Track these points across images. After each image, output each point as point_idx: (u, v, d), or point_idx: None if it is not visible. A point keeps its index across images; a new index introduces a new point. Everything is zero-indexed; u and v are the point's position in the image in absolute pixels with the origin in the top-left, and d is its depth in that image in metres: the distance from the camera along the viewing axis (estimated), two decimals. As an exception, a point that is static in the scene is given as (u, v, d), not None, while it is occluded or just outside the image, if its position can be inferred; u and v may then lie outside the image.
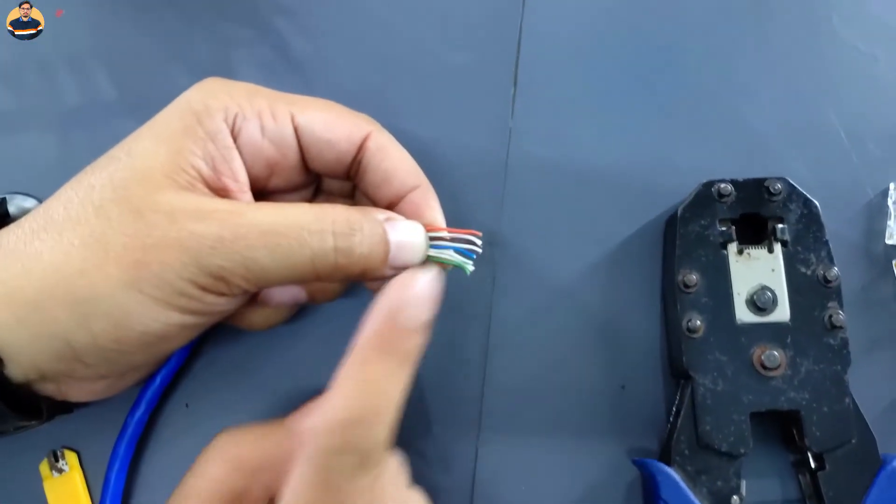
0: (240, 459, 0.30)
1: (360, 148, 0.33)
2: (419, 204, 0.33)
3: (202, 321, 0.30)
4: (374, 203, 0.34)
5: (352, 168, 0.33)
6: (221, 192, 0.30)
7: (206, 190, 0.29)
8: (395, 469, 0.30)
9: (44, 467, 0.36)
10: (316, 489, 0.27)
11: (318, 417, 0.27)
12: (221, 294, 0.29)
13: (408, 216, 0.32)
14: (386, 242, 0.30)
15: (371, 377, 0.28)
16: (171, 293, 0.28)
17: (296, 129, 0.32)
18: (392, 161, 0.33)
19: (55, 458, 0.36)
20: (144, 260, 0.27)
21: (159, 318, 0.28)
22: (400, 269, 0.30)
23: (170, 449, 0.37)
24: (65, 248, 0.28)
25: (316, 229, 0.29)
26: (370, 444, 0.27)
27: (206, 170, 0.29)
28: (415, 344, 0.29)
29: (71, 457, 0.36)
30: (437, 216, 0.33)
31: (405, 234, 0.30)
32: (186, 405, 0.37)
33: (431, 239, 0.31)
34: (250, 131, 0.31)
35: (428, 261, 0.31)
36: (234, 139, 0.30)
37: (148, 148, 0.29)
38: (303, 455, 0.27)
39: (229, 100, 0.30)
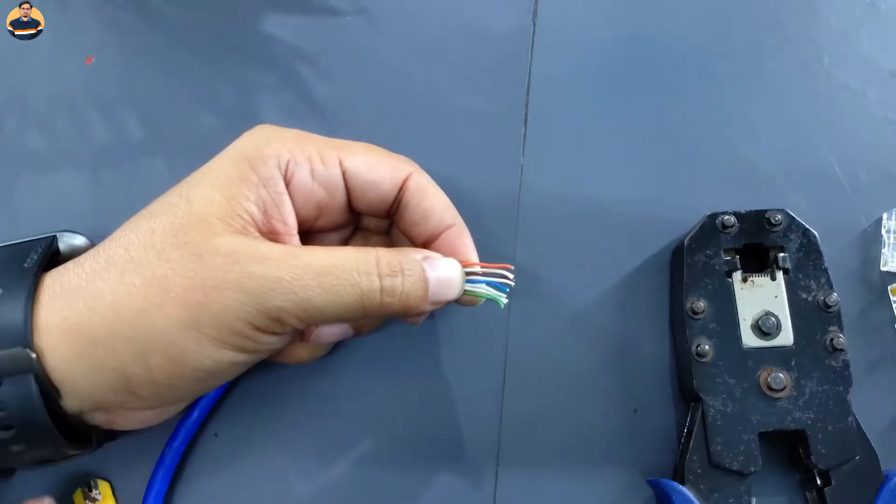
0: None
1: (402, 188, 0.35)
2: (454, 241, 0.35)
3: (251, 359, 0.32)
4: (410, 239, 0.36)
5: (392, 207, 0.35)
6: (270, 234, 0.32)
7: (257, 233, 0.31)
8: None
9: (78, 497, 0.37)
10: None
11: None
12: (274, 333, 0.31)
13: (444, 253, 0.34)
14: (425, 280, 0.32)
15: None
16: (227, 333, 0.29)
17: (343, 173, 0.33)
18: (430, 200, 0.35)
19: (88, 488, 0.37)
20: (205, 300, 0.29)
21: (213, 356, 0.30)
22: (439, 303, 0.32)
23: (199, 478, 0.38)
24: (127, 288, 0.29)
25: (364, 270, 0.30)
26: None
27: (257, 214, 0.31)
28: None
29: (104, 486, 0.37)
30: (471, 253, 0.35)
31: (444, 271, 0.32)
32: (216, 435, 0.39)
33: (467, 274, 0.33)
34: (302, 176, 0.33)
35: (465, 295, 0.33)
36: (287, 184, 0.32)
37: (204, 194, 0.31)
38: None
39: (281, 146, 0.32)
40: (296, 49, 0.44)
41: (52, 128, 0.43)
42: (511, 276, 0.34)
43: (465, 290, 0.33)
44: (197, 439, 0.39)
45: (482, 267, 0.34)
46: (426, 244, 0.35)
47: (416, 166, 0.36)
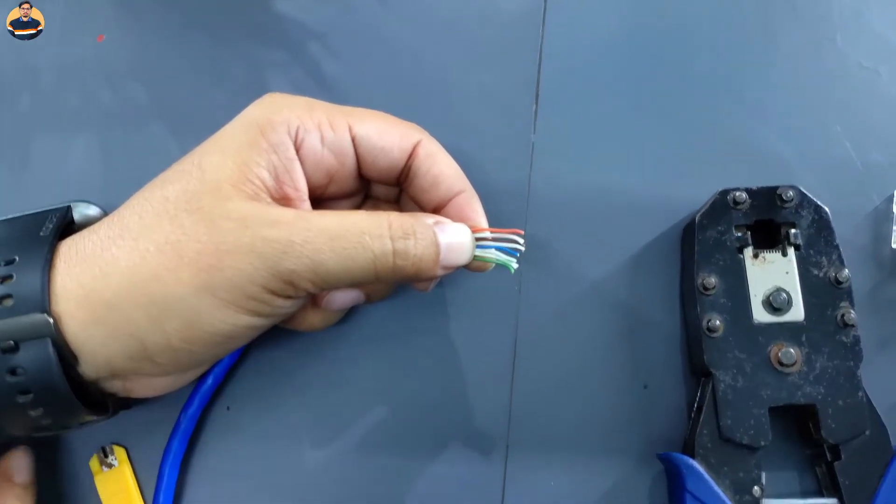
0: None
1: (411, 155, 0.35)
2: (464, 207, 0.35)
3: (267, 322, 0.32)
4: (420, 206, 0.36)
5: (402, 174, 0.35)
6: (283, 200, 0.32)
7: (269, 199, 0.31)
8: None
9: (94, 463, 0.38)
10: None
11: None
12: (288, 297, 0.31)
13: (453, 219, 0.34)
14: (437, 244, 0.32)
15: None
16: (241, 297, 0.30)
17: (353, 139, 0.34)
18: (440, 167, 0.35)
19: (104, 453, 0.38)
20: (218, 265, 0.29)
21: (228, 320, 0.30)
22: (450, 268, 0.33)
23: (211, 450, 0.39)
24: (141, 254, 0.30)
25: (376, 234, 0.31)
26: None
27: (269, 180, 0.31)
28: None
29: (119, 452, 0.38)
30: (481, 219, 0.35)
31: (454, 236, 0.32)
32: (228, 408, 0.39)
33: (477, 239, 0.33)
34: (312, 142, 0.33)
35: (475, 260, 0.33)
36: (297, 150, 0.32)
37: (216, 161, 0.31)
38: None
39: (290, 113, 0.32)
40: (306, 27, 0.44)
41: (64, 103, 0.43)
42: (521, 240, 0.34)
43: (476, 256, 0.33)
44: (210, 413, 0.39)
45: (492, 232, 0.34)
46: (436, 211, 0.35)
47: (426, 133, 0.36)
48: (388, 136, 0.34)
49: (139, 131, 0.43)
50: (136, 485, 0.37)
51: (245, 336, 0.32)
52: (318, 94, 0.43)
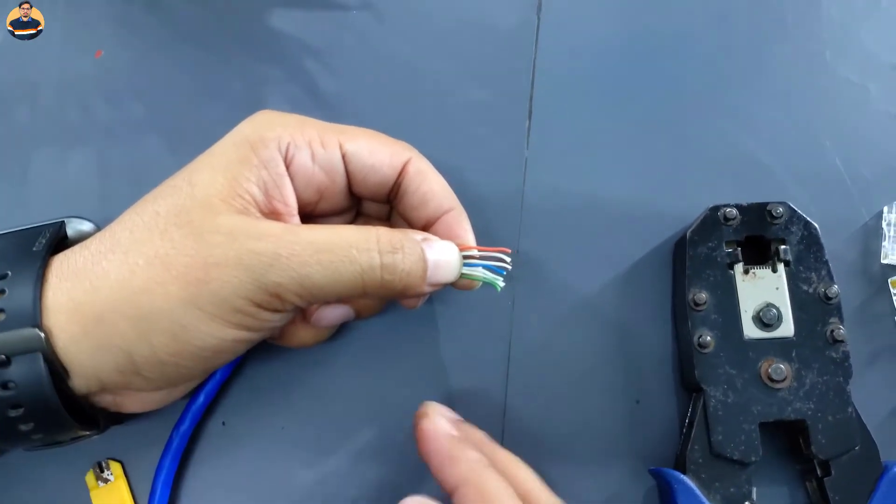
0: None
1: (401, 172, 0.35)
2: (452, 225, 0.35)
3: (254, 336, 0.32)
4: (410, 224, 0.36)
5: (392, 191, 0.36)
6: (272, 215, 0.32)
7: (259, 214, 0.32)
8: None
9: (90, 478, 0.38)
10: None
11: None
12: (275, 310, 0.31)
13: (442, 236, 0.34)
14: (424, 260, 0.32)
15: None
16: (228, 310, 0.30)
17: (344, 157, 0.34)
18: (429, 185, 0.35)
19: (100, 468, 0.38)
20: (205, 278, 0.29)
21: (215, 334, 0.30)
22: (437, 285, 0.33)
23: (206, 465, 0.39)
24: (130, 268, 0.30)
25: (364, 248, 0.31)
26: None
27: (258, 195, 0.32)
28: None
29: (115, 467, 0.38)
30: (469, 237, 0.35)
31: (441, 253, 0.33)
32: (223, 423, 0.39)
33: (464, 258, 0.34)
34: (302, 159, 0.33)
35: (462, 278, 0.34)
36: (288, 167, 0.33)
37: (206, 177, 0.31)
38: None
39: (282, 130, 0.33)
40: (302, 43, 0.45)
41: (61, 118, 0.44)
42: (508, 259, 0.34)
43: (462, 273, 0.34)
44: (205, 427, 0.39)
45: (480, 250, 0.35)
46: (425, 228, 0.35)
47: (416, 151, 0.36)
48: (378, 154, 0.35)
49: (136, 146, 0.43)
50: (133, 500, 0.38)
51: (233, 350, 0.33)
52: (314, 108, 0.43)
